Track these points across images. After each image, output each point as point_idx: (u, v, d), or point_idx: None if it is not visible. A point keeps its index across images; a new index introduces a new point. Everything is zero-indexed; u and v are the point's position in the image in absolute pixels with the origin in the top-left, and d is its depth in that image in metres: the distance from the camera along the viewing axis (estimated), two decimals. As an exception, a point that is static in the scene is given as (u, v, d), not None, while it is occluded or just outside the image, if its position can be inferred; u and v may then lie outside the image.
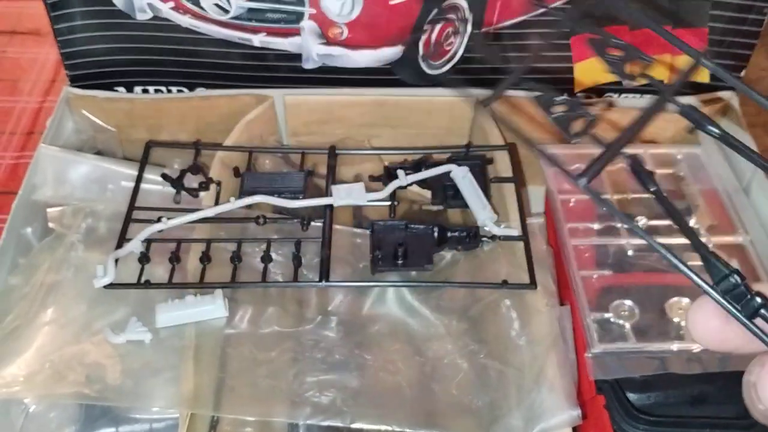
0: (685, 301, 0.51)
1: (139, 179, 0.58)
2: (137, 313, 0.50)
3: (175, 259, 0.52)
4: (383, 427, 0.45)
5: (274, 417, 0.46)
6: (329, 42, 0.61)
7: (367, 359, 0.49)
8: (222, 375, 0.47)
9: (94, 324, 0.50)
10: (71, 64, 0.64)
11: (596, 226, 0.56)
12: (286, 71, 0.64)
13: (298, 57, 0.62)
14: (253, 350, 0.49)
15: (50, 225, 0.57)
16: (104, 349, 0.48)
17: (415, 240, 0.54)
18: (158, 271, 0.53)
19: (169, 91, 0.66)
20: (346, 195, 0.55)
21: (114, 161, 0.60)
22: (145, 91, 0.66)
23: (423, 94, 0.64)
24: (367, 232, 0.56)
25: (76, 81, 0.65)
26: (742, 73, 0.65)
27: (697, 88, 0.65)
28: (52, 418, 0.48)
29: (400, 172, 0.57)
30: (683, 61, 0.63)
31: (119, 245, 0.53)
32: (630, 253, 0.54)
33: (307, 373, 0.48)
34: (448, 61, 0.64)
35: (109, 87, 0.66)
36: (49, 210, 0.57)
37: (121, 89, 0.66)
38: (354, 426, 0.45)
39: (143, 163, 0.59)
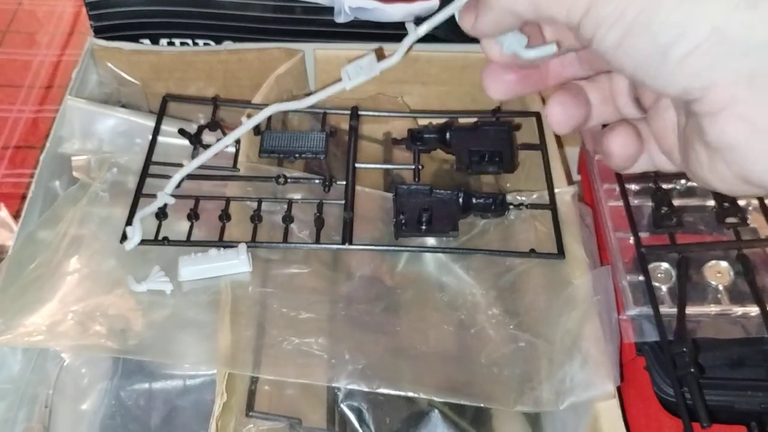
0: (724, 264, 0.51)
1: (155, 134, 0.56)
2: (161, 266, 0.49)
3: (194, 216, 0.51)
4: (410, 394, 0.44)
5: (300, 378, 0.45)
6: (362, -6, 0.59)
7: (395, 325, 0.48)
8: (251, 334, 0.46)
9: (118, 276, 0.49)
10: (96, 14, 0.62)
11: (633, 186, 0.55)
12: (317, 25, 0.62)
13: (329, 10, 0.61)
14: (281, 310, 0.48)
15: (74, 174, 0.56)
16: (128, 301, 0.47)
17: (440, 205, 0.52)
18: (182, 226, 0.51)
19: (196, 44, 0.64)
20: (356, 74, 0.53)
21: (142, 115, 0.59)
22: (170, 43, 0.65)
23: (457, 50, 0.63)
24: (390, 195, 0.55)
25: (99, 32, 0.63)
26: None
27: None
28: (85, 372, 0.48)
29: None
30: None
31: (135, 201, 0.51)
32: (667, 214, 0.53)
33: (334, 337, 0.47)
34: (485, 15, 0.62)
35: (134, 39, 0.64)
36: (74, 158, 0.56)
37: (146, 41, 0.64)
38: (381, 391, 0.44)
39: (160, 117, 0.57)
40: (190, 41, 0.64)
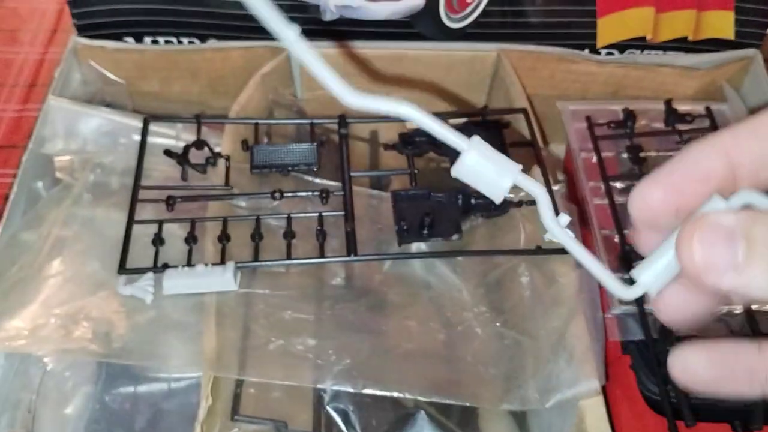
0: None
1: (141, 157, 0.54)
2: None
3: (191, 239, 0.50)
4: (394, 394, 0.44)
5: (285, 380, 0.45)
6: (348, -7, 0.59)
7: (380, 324, 0.48)
8: (236, 335, 0.46)
9: (102, 279, 0.48)
10: (78, 12, 0.62)
11: (618, 185, 0.55)
12: (302, 23, 0.61)
13: (315, 8, 0.60)
14: (266, 311, 0.47)
15: (57, 175, 0.55)
16: (112, 304, 0.47)
17: (440, 208, 0.52)
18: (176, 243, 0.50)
19: (180, 42, 0.64)
20: None
21: (126, 114, 0.58)
22: (155, 42, 0.64)
23: (443, 49, 0.62)
24: (383, 193, 0.54)
25: (83, 31, 0.63)
26: (768, 31, 0.63)
27: (720, 45, 0.64)
28: (68, 377, 0.47)
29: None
30: (710, 16, 0.62)
31: (128, 232, 0.49)
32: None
33: (319, 337, 0.46)
34: (471, 13, 0.62)
35: (118, 37, 0.63)
36: (56, 158, 0.55)
37: (130, 40, 0.64)
38: (366, 391, 0.44)
39: (143, 139, 0.55)
40: (174, 39, 0.64)
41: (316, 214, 0.51)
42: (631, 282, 0.26)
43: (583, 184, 0.56)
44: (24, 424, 0.45)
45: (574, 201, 0.57)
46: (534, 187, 0.25)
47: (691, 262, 0.21)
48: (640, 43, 0.64)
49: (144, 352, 0.45)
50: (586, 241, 0.54)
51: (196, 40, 0.64)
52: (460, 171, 0.25)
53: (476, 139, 0.25)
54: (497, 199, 0.25)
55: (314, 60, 0.24)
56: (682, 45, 0.64)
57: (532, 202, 0.52)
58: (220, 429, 0.42)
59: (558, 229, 0.25)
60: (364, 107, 0.24)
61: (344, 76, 0.65)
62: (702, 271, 0.22)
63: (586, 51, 0.64)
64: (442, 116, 0.59)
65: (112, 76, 0.63)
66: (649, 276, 0.25)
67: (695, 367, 0.25)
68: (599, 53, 0.64)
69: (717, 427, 0.44)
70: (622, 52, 0.65)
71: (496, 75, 0.64)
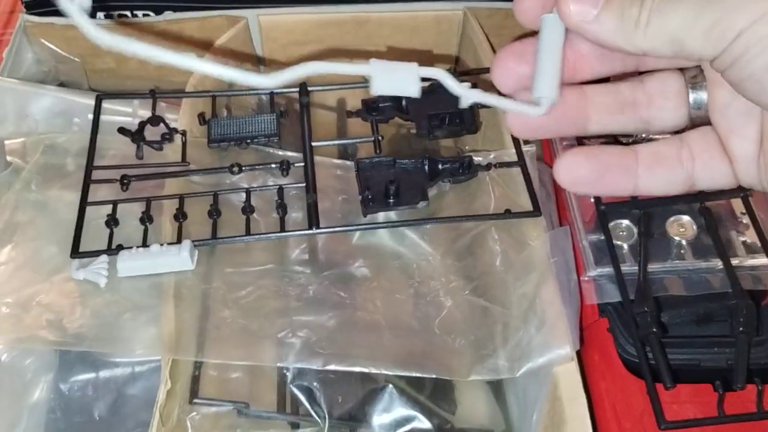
0: (686, 218, 0.49)
1: (94, 136, 0.52)
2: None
3: (147, 219, 0.48)
4: (356, 369, 0.43)
5: (246, 360, 0.43)
6: (304, -45, 0.57)
7: (346, 297, 0.46)
8: (196, 316, 0.44)
9: (56, 264, 0.46)
10: (26, -12, 0.59)
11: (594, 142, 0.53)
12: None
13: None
14: (225, 288, 0.45)
15: (8, 158, 0.53)
16: (68, 290, 0.45)
17: (406, 175, 0.50)
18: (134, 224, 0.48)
19: (135, 15, 0.61)
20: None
21: (79, 93, 0.56)
22: (108, 17, 0.61)
23: (407, 10, 0.60)
24: (348, 162, 0.52)
25: (31, 8, 0.60)
26: None
27: None
28: (27, 366, 0.46)
29: None
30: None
31: (81, 213, 0.48)
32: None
33: (281, 314, 0.45)
34: (433, -28, 0.59)
35: (69, 13, 0.61)
36: (7, 142, 0.53)
37: (83, 16, 0.61)
38: (330, 368, 0.42)
39: (96, 118, 0.53)
40: (128, 13, 0.61)
41: (277, 187, 0.49)
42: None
43: (557, 143, 0.54)
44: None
45: (548, 162, 0.56)
46: (434, 72, 0.28)
47: (569, 17, 0.26)
48: None
49: (100, 338, 0.43)
50: (561, 202, 0.52)
51: (151, 13, 0.61)
52: (376, 89, 0.28)
53: (373, 61, 0.28)
54: (414, 95, 0.28)
55: (221, 69, 0.26)
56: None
57: (502, 165, 0.51)
58: (179, 413, 0.41)
59: (465, 90, 0.29)
60: (280, 84, 0.27)
61: (308, 41, 0.63)
62: (575, 24, 0.26)
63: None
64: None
65: (65, 54, 0.61)
66: (544, 87, 0.28)
67: (577, 167, 0.29)
68: (571, 8, 0.62)
69: (697, 387, 0.43)
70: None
71: (463, 35, 0.61)
